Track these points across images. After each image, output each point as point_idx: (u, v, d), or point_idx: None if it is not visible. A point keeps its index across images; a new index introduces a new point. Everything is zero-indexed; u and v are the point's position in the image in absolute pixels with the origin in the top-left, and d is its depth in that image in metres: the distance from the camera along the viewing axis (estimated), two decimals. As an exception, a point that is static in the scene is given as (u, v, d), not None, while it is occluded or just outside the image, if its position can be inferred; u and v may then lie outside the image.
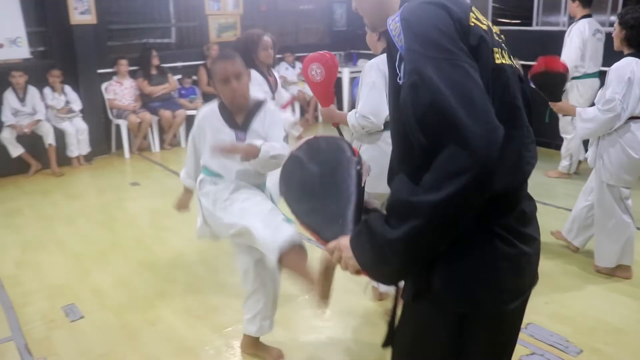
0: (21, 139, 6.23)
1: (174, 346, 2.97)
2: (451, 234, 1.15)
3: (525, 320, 2.98)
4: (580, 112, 3.36)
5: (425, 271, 1.25)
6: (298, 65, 8.51)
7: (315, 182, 1.45)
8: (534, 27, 6.86)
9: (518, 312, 1.40)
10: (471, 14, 1.22)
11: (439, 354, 1.33)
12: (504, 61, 1.25)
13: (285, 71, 8.49)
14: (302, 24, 9.29)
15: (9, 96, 6.23)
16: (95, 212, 5.11)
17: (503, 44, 1.30)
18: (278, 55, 8.43)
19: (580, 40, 5.15)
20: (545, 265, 3.75)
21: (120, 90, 7.00)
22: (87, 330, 3.15)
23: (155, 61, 7.14)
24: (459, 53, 1.13)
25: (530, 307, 3.25)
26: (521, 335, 2.95)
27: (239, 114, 2.54)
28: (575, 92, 5.32)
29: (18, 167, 6.31)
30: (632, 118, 3.28)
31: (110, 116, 7.07)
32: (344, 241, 1.29)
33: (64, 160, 6.53)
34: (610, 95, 3.20)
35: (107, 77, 7.05)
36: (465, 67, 1.12)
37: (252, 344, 2.83)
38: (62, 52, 6.78)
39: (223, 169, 2.54)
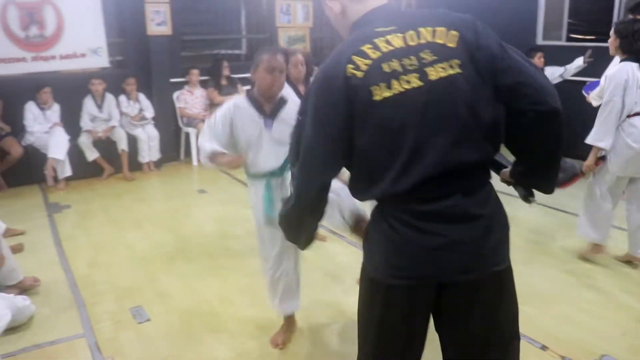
0: (97, 143, 6.51)
1: (237, 355, 3.00)
2: (300, 229, 1.82)
3: (599, 352, 2.86)
4: (593, 135, 3.68)
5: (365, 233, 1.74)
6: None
7: None
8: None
9: (425, 294, 1.60)
10: (349, 65, 1.48)
11: (363, 294, 1.74)
12: (389, 94, 1.47)
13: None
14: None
15: (88, 103, 6.55)
16: (163, 218, 5.26)
17: (422, 62, 1.48)
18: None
19: None
20: (621, 294, 3.57)
21: (191, 99, 7.20)
22: (153, 333, 3.22)
23: (226, 71, 7.31)
24: (313, 113, 1.53)
25: (605, 337, 3.09)
26: (596, 368, 2.86)
27: (268, 105, 2.77)
28: None
29: (93, 171, 6.59)
30: (636, 114, 3.63)
31: (180, 124, 7.28)
32: None
33: (135, 165, 6.77)
34: (608, 97, 3.60)
35: (179, 86, 7.27)
36: (310, 127, 1.54)
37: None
38: (138, 62, 7.06)
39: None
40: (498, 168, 1.82)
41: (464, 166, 1.52)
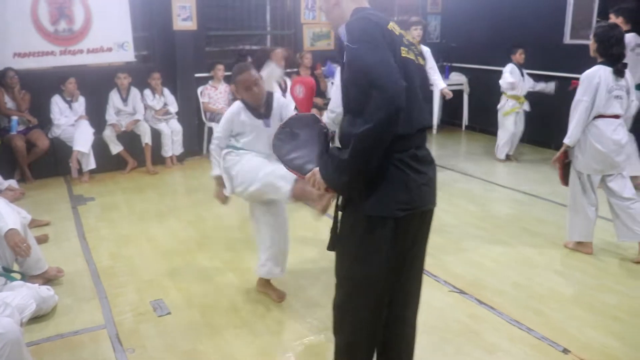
0: (120, 137, 6.59)
1: (255, 350, 3.01)
2: (377, 153, 1.88)
3: (623, 358, 2.82)
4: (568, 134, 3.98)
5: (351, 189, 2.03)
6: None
7: (299, 141, 2.23)
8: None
9: (415, 222, 2.09)
10: (390, 23, 2.01)
11: (360, 243, 2.06)
12: (408, 56, 2.00)
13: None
14: (395, 34, 9.23)
15: (114, 96, 6.64)
16: (186, 212, 5.30)
17: (411, 46, 2.08)
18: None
19: None
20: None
21: (215, 94, 7.23)
22: (173, 326, 3.25)
23: (250, 67, 7.31)
24: (379, 43, 1.88)
25: (629, 343, 3.11)
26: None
27: (260, 107, 3.32)
28: None
29: (116, 164, 6.67)
30: (599, 116, 3.89)
31: (204, 119, 7.32)
32: (316, 170, 2.05)
33: (158, 159, 6.84)
34: (579, 96, 3.88)
35: (203, 81, 7.31)
36: (384, 49, 1.87)
37: (263, 284, 3.58)
38: (163, 56, 7.12)
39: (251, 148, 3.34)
40: None
41: (429, 126, 2.11)
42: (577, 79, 6.63)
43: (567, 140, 3.95)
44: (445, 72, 8.84)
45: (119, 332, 3.17)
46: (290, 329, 3.20)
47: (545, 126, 7.22)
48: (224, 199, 3.49)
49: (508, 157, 7.11)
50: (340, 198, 2.13)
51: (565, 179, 4.17)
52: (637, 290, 3.61)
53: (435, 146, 7.98)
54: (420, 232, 2.16)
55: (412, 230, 2.10)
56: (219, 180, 3.41)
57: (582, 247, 4.19)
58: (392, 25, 2.01)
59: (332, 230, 2.16)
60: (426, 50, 6.02)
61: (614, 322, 3.22)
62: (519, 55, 6.83)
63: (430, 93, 2.19)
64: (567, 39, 7.31)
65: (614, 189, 4.01)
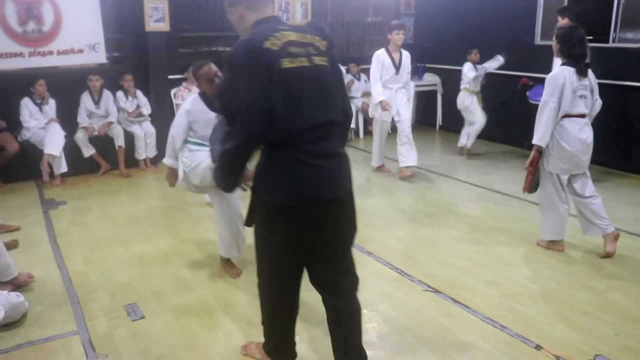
0: (93, 140, 6.50)
1: (231, 352, 2.99)
2: (239, 165, 2.26)
3: (593, 352, 2.87)
4: (535, 134, 4.03)
5: (255, 178, 2.32)
6: (363, 77, 8.52)
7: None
8: (610, 44, 6.59)
9: (313, 210, 2.26)
10: (267, 41, 2.13)
11: (263, 224, 2.37)
12: (292, 65, 2.15)
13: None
14: (368, 35, 9.29)
15: (86, 99, 6.54)
16: (160, 214, 5.25)
17: (307, 47, 2.24)
18: (343, 67, 8.47)
19: None
20: (614, 294, 3.58)
21: (189, 96, 7.15)
22: (148, 330, 3.21)
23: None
24: (249, 69, 2.10)
25: (598, 337, 3.14)
26: (590, 369, 2.88)
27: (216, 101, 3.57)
28: None
29: (89, 167, 6.58)
30: (566, 116, 3.96)
31: (178, 121, 7.24)
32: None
33: (132, 162, 6.76)
34: (546, 98, 3.94)
35: (177, 83, 7.25)
36: (251, 76, 2.10)
37: (224, 262, 3.95)
38: (136, 58, 7.05)
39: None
40: None
41: (330, 121, 2.27)
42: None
43: (540, 142, 3.97)
44: (419, 72, 8.92)
45: (92, 338, 3.12)
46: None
47: (518, 125, 7.33)
48: (174, 182, 3.93)
49: (463, 149, 7.41)
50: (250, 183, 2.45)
51: (530, 186, 4.19)
52: (604, 286, 3.69)
53: (409, 146, 8.02)
54: (329, 218, 2.32)
55: (311, 216, 2.27)
56: (171, 168, 3.87)
57: (554, 245, 4.26)
58: (272, 41, 2.15)
59: (249, 209, 2.45)
60: (406, 55, 6.24)
61: (584, 318, 3.28)
62: (474, 55, 7.23)
63: (329, 89, 2.30)
64: (538, 40, 7.43)
65: (577, 188, 4.11)
